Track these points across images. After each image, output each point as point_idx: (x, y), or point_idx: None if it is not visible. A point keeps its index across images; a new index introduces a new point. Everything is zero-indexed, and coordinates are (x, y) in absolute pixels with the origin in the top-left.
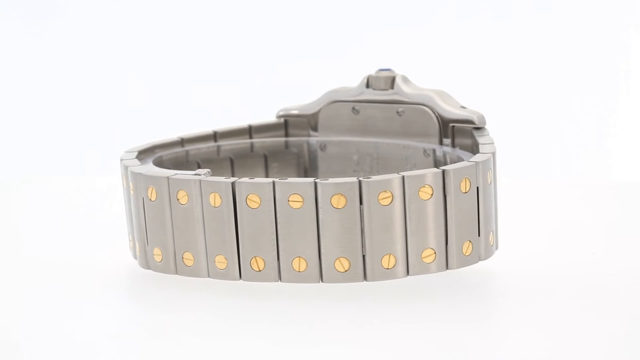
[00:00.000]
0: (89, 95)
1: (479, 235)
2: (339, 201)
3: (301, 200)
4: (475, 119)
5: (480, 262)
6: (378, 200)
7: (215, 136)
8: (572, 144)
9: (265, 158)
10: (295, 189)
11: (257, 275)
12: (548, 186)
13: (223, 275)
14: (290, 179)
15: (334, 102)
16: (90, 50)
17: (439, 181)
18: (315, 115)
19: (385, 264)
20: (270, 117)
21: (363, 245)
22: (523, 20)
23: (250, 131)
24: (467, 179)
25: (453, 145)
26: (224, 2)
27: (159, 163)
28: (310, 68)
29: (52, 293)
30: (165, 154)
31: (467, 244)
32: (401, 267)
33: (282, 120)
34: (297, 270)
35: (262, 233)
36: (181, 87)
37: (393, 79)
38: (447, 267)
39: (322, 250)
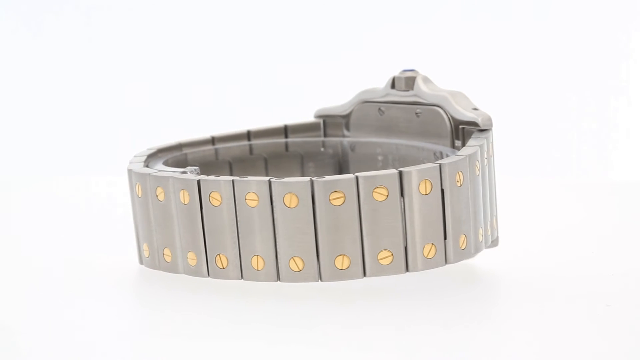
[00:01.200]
0: (105, 94)
1: (445, 238)
2: (291, 200)
3: (256, 198)
4: (479, 121)
5: (447, 264)
6: (329, 200)
7: (249, 135)
8: (572, 144)
9: (301, 158)
10: (250, 188)
11: (221, 273)
12: (548, 186)
13: (194, 272)
14: (250, 177)
15: (364, 103)
16: (105, 50)
17: (395, 183)
18: (348, 116)
19: (339, 264)
20: (307, 118)
21: (317, 245)
22: (523, 20)
23: (286, 131)
24: (427, 181)
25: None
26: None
27: (181, 161)
28: (341, 68)
29: (53, 293)
30: (192, 151)
31: (429, 246)
32: (356, 268)
33: (320, 120)
34: (256, 268)
35: (223, 231)
36: (203, 88)
37: (413, 80)
38: (407, 270)
39: (278, 250)
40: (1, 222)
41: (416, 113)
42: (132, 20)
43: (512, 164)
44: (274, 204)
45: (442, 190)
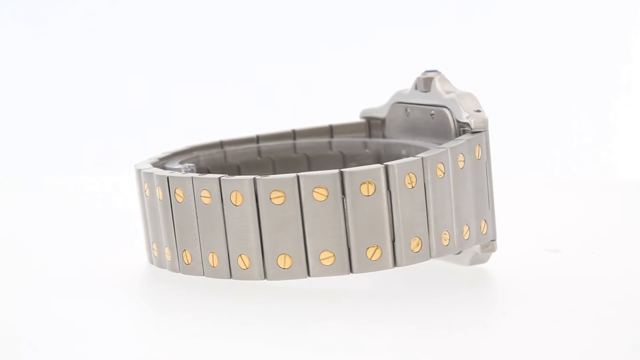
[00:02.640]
0: (119, 94)
1: (393, 240)
2: (237, 198)
3: (209, 196)
4: (471, 122)
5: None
6: (270, 199)
7: (294, 135)
8: (572, 144)
9: (344, 157)
10: (204, 185)
11: (187, 268)
12: (547, 186)
13: (170, 267)
14: (206, 175)
15: (396, 104)
16: (117, 51)
17: (336, 183)
18: (385, 117)
19: (281, 263)
20: (352, 118)
21: (261, 244)
22: (524, 20)
23: (331, 131)
24: (369, 182)
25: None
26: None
27: (220, 159)
28: (378, 69)
29: (52, 293)
30: (232, 149)
31: (373, 248)
32: (299, 268)
33: (364, 120)
34: (212, 265)
35: (186, 227)
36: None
37: (431, 81)
38: (351, 271)
39: (229, 247)
40: (4, 222)
41: (431, 114)
42: (147, 21)
43: (512, 164)
44: (223, 201)
45: (389, 192)
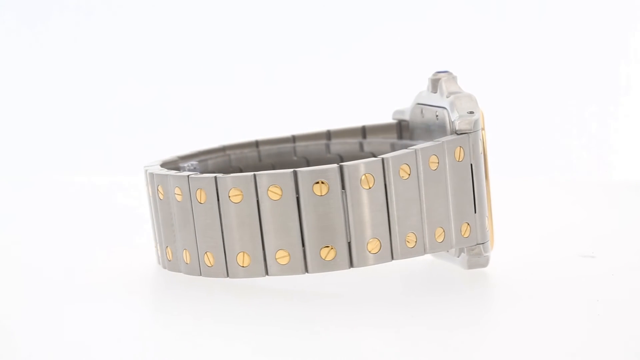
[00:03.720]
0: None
1: (349, 241)
2: (201, 196)
3: (180, 193)
4: (456, 124)
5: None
6: (229, 197)
7: (329, 135)
8: (572, 144)
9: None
10: (177, 182)
11: (170, 265)
12: (547, 186)
13: (160, 263)
14: (179, 173)
15: (416, 105)
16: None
17: (291, 182)
18: (408, 118)
19: (240, 261)
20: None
21: (223, 242)
22: (524, 19)
23: (364, 132)
24: (322, 182)
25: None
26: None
27: (254, 159)
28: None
29: (54, 294)
30: (267, 148)
31: (327, 248)
32: (257, 266)
33: (395, 122)
34: (186, 262)
35: (167, 224)
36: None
37: (438, 82)
38: (306, 271)
39: (198, 244)
40: (7, 222)
41: (436, 115)
42: (160, 22)
43: (512, 164)
44: (191, 199)
45: (343, 193)
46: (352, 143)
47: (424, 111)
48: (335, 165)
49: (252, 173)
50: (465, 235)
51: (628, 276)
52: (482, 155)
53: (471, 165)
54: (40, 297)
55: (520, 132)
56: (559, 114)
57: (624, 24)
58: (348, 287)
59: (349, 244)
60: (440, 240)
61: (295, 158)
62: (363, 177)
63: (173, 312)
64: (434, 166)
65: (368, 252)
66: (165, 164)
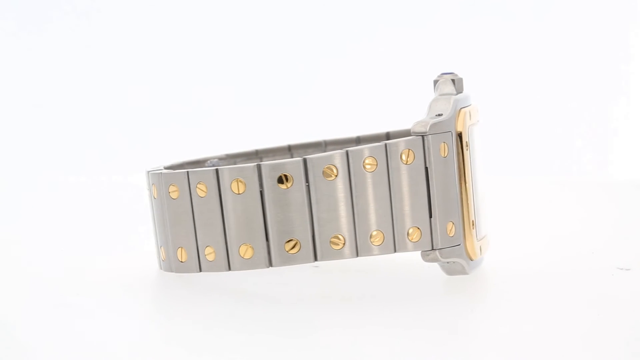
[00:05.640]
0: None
1: (267, 240)
2: (154, 191)
3: (155, 189)
4: (412, 126)
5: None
6: (169, 193)
7: (358, 140)
8: (572, 144)
9: None
10: (153, 180)
11: (160, 263)
12: (547, 185)
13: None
14: (160, 170)
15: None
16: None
17: (213, 180)
18: None
19: (179, 256)
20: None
21: (167, 237)
22: (524, 19)
23: (388, 138)
24: (239, 181)
25: None
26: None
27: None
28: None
29: (53, 293)
30: (300, 153)
31: (245, 246)
32: (193, 262)
33: None
34: (162, 259)
35: (154, 223)
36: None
37: (436, 84)
38: (229, 268)
39: (171, 241)
40: (6, 222)
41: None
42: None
43: (512, 164)
44: (164, 196)
45: (261, 192)
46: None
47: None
48: (252, 164)
49: (215, 168)
50: (414, 240)
51: (628, 276)
52: (460, 156)
53: (426, 168)
54: (39, 297)
55: (520, 132)
56: (559, 114)
57: (624, 24)
58: (346, 289)
59: (268, 242)
60: (377, 243)
61: None
62: (281, 177)
63: (170, 314)
64: (370, 168)
65: (285, 251)
66: (191, 164)
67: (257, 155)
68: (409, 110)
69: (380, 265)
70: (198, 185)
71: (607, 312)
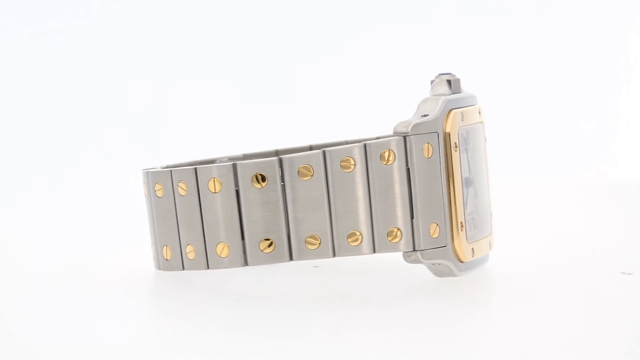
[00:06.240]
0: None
1: (243, 239)
2: (144, 190)
3: (146, 189)
4: (393, 128)
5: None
6: (155, 191)
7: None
8: (572, 144)
9: None
10: (143, 178)
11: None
12: (547, 186)
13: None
14: (150, 168)
15: None
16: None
17: (192, 179)
18: None
19: (165, 255)
20: None
21: (155, 235)
22: (525, 18)
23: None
24: (216, 180)
25: None
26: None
27: None
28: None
29: (52, 293)
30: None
31: (222, 245)
32: (176, 261)
33: None
34: (153, 256)
35: (148, 220)
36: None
37: (431, 84)
38: (208, 267)
39: (157, 239)
40: (6, 222)
41: None
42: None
43: (512, 164)
44: (151, 194)
45: (237, 192)
46: None
47: None
48: (229, 163)
49: (194, 167)
50: (394, 241)
51: (628, 276)
52: (449, 157)
53: (408, 169)
54: (39, 296)
55: (521, 132)
56: (560, 114)
57: (624, 24)
58: (346, 290)
59: (244, 241)
60: (355, 244)
61: None
62: (254, 176)
63: (170, 314)
64: (347, 168)
65: (260, 251)
66: (201, 163)
67: (276, 155)
68: (408, 111)
69: (380, 265)
70: (179, 184)
71: (607, 313)
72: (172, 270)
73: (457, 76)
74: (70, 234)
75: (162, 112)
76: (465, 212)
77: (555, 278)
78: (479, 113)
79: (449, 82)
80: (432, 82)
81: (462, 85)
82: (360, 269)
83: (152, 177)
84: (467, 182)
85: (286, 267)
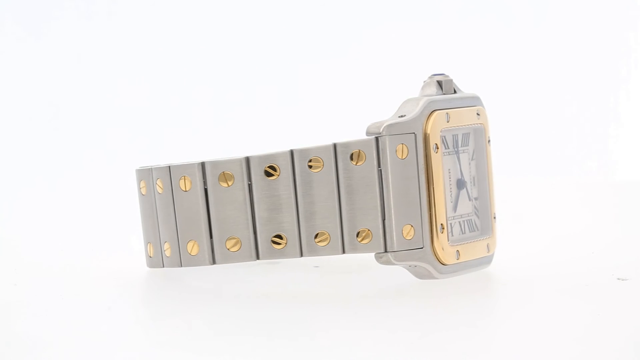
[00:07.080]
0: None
1: (211, 237)
2: (140, 188)
3: (144, 185)
4: (366, 128)
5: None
6: (140, 189)
7: None
8: (572, 144)
9: None
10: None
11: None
12: (548, 186)
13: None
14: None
15: None
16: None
17: (167, 177)
18: None
19: (149, 251)
20: None
21: (144, 232)
22: (525, 19)
23: None
24: (186, 178)
25: None
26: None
27: None
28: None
29: (49, 293)
30: None
31: (192, 243)
32: (157, 258)
33: None
34: (149, 255)
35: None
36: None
37: (422, 85)
38: (180, 264)
39: (145, 236)
40: (5, 222)
41: None
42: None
43: (512, 164)
44: (139, 191)
45: (206, 190)
46: None
47: None
48: (198, 162)
49: (168, 165)
50: (364, 242)
51: (628, 277)
52: (430, 158)
53: (380, 170)
54: (37, 296)
55: (521, 132)
56: (561, 114)
57: (624, 24)
58: (345, 290)
59: (211, 240)
60: (323, 244)
61: None
62: (222, 175)
63: (170, 315)
64: (315, 168)
65: (227, 249)
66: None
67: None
68: None
69: (380, 265)
70: (157, 182)
71: (607, 313)
72: (155, 268)
73: (450, 77)
74: (70, 234)
75: (162, 112)
76: (454, 214)
77: (555, 278)
78: (478, 115)
79: (439, 83)
80: (424, 82)
81: (463, 86)
82: (360, 268)
83: (138, 175)
84: (460, 184)
85: (286, 267)
